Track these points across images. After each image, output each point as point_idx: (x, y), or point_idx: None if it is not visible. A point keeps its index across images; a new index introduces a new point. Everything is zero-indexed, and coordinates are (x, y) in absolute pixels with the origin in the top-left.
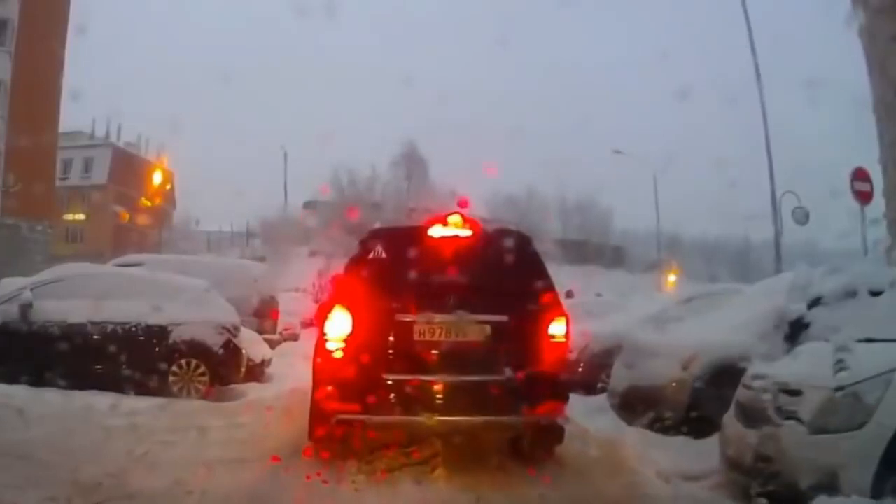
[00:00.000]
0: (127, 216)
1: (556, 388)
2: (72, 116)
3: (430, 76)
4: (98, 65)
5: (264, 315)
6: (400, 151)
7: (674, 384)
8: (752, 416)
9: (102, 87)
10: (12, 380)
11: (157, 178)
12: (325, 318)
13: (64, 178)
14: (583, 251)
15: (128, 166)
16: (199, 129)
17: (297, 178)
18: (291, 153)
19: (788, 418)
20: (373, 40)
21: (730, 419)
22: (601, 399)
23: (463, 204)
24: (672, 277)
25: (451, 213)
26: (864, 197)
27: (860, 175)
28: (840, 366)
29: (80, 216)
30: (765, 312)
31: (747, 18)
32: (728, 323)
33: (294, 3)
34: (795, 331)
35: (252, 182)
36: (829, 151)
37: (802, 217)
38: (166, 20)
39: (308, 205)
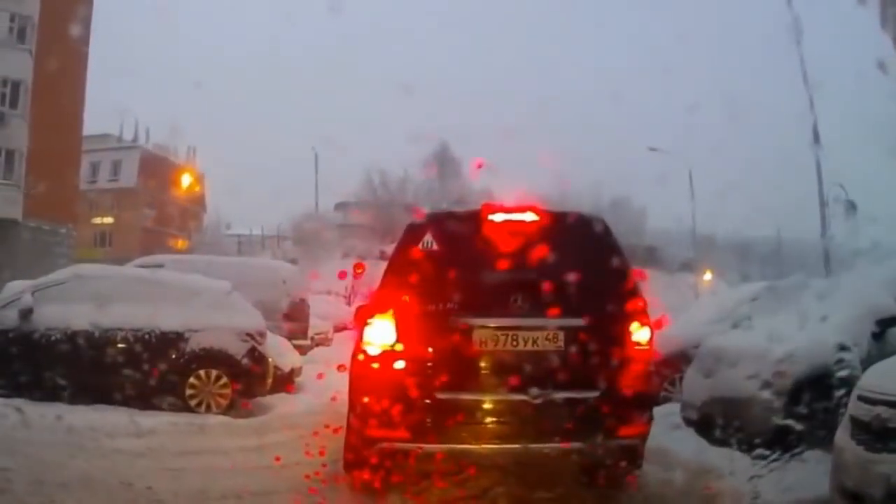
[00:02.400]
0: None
1: (641, 405)
2: (99, 119)
3: (461, 77)
4: (126, 67)
5: (294, 319)
6: (431, 152)
7: (762, 395)
8: (875, 438)
9: (131, 91)
10: (10, 393)
11: (186, 180)
12: (366, 323)
13: (92, 182)
14: None
15: (157, 169)
16: (229, 132)
17: (328, 181)
18: (323, 156)
19: None
20: (404, 41)
21: (844, 441)
22: (668, 411)
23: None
24: (708, 276)
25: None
26: None
27: None
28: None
29: (109, 219)
30: (856, 310)
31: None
32: (814, 322)
33: (324, 5)
34: (883, 329)
35: (283, 185)
36: (867, 149)
37: (849, 210)
38: (197, 22)
39: (340, 206)
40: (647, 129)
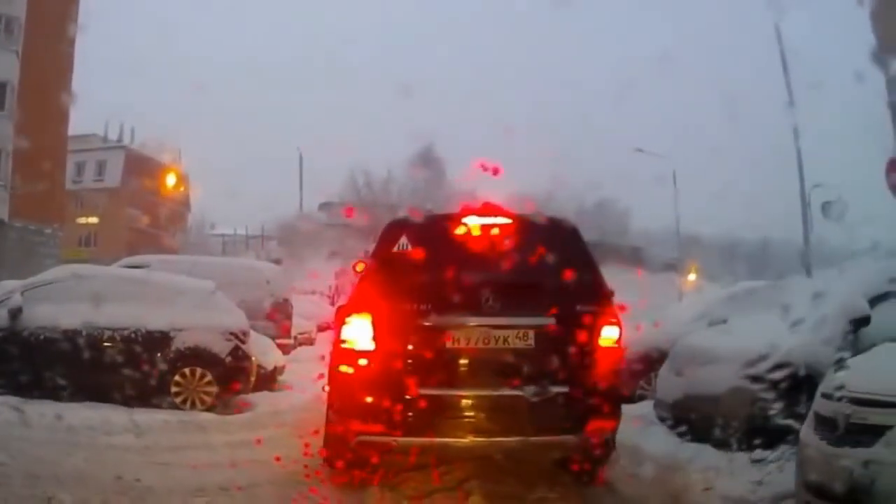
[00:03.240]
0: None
1: (609, 401)
2: (84, 119)
3: (446, 77)
4: (111, 67)
5: (277, 319)
6: (416, 152)
7: (733, 393)
8: (838, 434)
9: (116, 90)
10: (4, 391)
11: (170, 180)
12: (343, 322)
13: (77, 182)
14: (601, 251)
15: (141, 169)
16: (213, 132)
17: (313, 181)
18: (308, 156)
19: (881, 435)
20: (388, 42)
21: (809, 436)
22: (643, 408)
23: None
24: (692, 277)
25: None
26: None
27: (895, 167)
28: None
29: (93, 219)
30: (830, 310)
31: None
32: (787, 322)
33: (307, 6)
34: (855, 328)
35: (268, 185)
36: (853, 149)
37: (833, 212)
38: (182, 22)
39: (324, 206)
40: (635, 130)
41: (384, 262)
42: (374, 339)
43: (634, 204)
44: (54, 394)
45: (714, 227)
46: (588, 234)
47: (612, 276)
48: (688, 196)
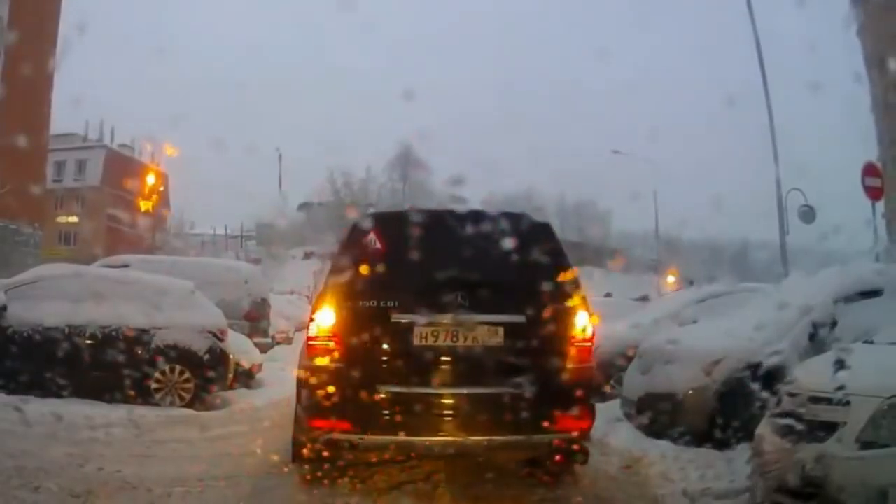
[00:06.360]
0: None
1: (581, 399)
2: (65, 118)
3: (428, 78)
4: (92, 66)
5: (255, 318)
6: (396, 153)
7: (694, 392)
8: (794, 430)
9: (97, 90)
10: None
11: (150, 180)
12: (311, 319)
13: (57, 181)
14: (581, 253)
15: (121, 168)
16: (194, 132)
17: (292, 181)
18: (287, 156)
19: (833, 431)
20: (369, 41)
21: (766, 432)
22: (612, 406)
23: None
24: (671, 278)
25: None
26: (875, 193)
27: (870, 171)
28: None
29: (73, 218)
30: (792, 312)
31: (752, 17)
32: (751, 324)
33: (287, 7)
34: (819, 330)
35: (247, 185)
36: (832, 151)
37: (809, 215)
38: (162, 22)
39: (303, 207)
40: (619, 133)
41: (353, 257)
42: (342, 337)
43: (616, 206)
44: (37, 391)
45: (695, 230)
46: (569, 236)
47: (591, 276)
48: (669, 199)
